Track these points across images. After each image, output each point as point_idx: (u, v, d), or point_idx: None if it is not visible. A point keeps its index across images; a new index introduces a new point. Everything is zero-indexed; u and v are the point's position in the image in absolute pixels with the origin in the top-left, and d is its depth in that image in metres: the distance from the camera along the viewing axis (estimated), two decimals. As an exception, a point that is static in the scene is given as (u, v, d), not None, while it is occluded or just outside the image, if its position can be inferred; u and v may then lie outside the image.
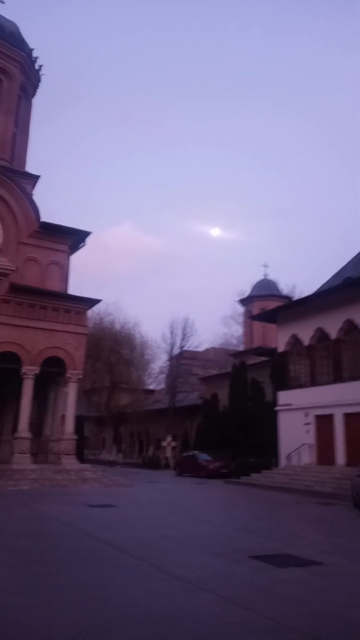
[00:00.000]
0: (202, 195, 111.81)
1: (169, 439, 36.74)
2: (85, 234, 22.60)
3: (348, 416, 19.65)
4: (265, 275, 41.96)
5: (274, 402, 23.90)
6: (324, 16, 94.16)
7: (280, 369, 24.01)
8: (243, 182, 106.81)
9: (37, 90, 25.91)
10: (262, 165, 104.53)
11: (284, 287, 50.86)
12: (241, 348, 49.00)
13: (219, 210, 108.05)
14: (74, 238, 22.56)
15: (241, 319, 51.79)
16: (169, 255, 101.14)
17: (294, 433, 21.73)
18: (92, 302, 21.85)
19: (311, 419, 21.31)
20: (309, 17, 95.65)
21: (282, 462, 22.10)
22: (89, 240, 23.25)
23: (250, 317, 35.44)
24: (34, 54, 25.07)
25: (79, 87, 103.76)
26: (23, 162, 24.27)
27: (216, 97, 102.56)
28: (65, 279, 22.21)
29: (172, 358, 42.62)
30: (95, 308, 39.74)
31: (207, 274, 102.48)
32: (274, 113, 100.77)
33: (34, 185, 23.10)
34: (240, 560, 7.31)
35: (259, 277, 42.88)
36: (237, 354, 41.22)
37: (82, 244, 23.03)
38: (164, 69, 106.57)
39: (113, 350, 41.26)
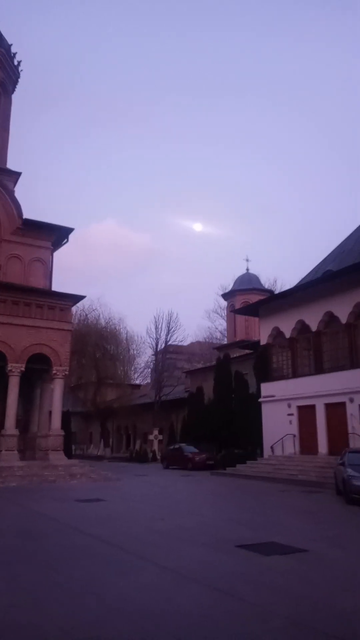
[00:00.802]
0: (186, 191, 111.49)
1: (155, 432, 36.76)
2: (68, 230, 22.36)
3: (329, 406, 19.88)
4: (247, 269, 42.07)
5: (258, 394, 24.04)
6: (319, 13, 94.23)
7: (263, 362, 24.13)
8: (226, 179, 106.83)
9: (17, 86, 25.41)
10: (245, 161, 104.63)
11: (266, 281, 51.18)
12: (225, 341, 49.17)
13: (201, 206, 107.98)
14: (57, 234, 22.31)
15: (224, 313, 51.97)
16: (154, 251, 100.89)
17: (278, 424, 21.90)
18: (77, 298, 21.65)
19: (294, 409, 21.48)
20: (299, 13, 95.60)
21: (267, 452, 22.24)
22: (73, 236, 23.20)
23: (233, 311, 35.54)
24: (13, 49, 24.57)
25: (64, 83, 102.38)
26: (4, 158, 23.84)
27: (200, 93, 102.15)
28: (49, 275, 21.99)
29: (157, 352, 42.58)
30: (80, 304, 39.84)
31: (192, 269, 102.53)
32: (258, 109, 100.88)
33: (15, 182, 22.74)
34: (228, 550, 7.37)
35: (241, 271, 42.98)
36: (221, 348, 41.34)
37: (64, 241, 22.80)
38: (150, 66, 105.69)
39: (98, 345, 41.06)
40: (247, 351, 30.35)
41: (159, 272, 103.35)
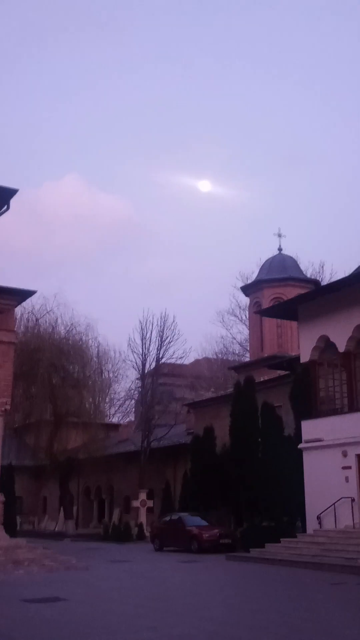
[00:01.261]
0: (182, 136, 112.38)
1: (142, 496, 36.71)
2: (7, 192, 22.28)
3: None
4: (279, 249, 42.24)
5: (297, 437, 24.09)
6: None
7: (304, 388, 24.15)
8: (245, 115, 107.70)
9: None
10: (273, 89, 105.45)
11: (308, 267, 51.55)
12: (247, 358, 49.27)
13: (208, 155, 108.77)
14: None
15: (245, 315, 52.16)
16: (138, 224, 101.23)
17: (328, 481, 21.92)
18: (22, 294, 21.71)
19: (352, 460, 21.50)
20: None
21: (311, 525, 22.27)
22: (16, 201, 22.92)
23: (259, 312, 35.62)
24: None
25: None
26: None
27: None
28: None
29: (145, 376, 42.56)
30: (27, 304, 39.56)
31: (195, 250, 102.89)
32: (282, 20, 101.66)
33: None
34: None
35: (271, 252, 43.12)
36: (241, 367, 41.26)
37: (4, 208, 22.75)
38: None
39: (55, 366, 40.91)
40: (281, 372, 30.34)
41: (146, 255, 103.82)
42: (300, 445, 23.51)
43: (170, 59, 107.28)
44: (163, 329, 41.92)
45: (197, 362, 60.50)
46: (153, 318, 42.12)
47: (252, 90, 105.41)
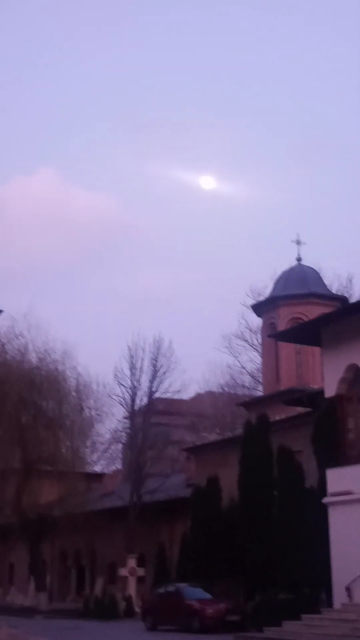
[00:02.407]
0: (180, 121, 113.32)
1: (131, 562, 36.50)
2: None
3: None
4: (298, 259, 42.32)
5: (321, 489, 23.97)
6: None
7: (330, 429, 24.10)
8: (250, 98, 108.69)
9: None
10: (284, 64, 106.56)
11: (333, 280, 51.65)
12: (259, 392, 49.17)
13: (212, 145, 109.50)
14: None
15: (257, 338, 52.15)
16: (124, 228, 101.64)
17: (358, 543, 21.77)
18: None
19: (388, 516, 21.35)
20: None
21: (338, 597, 22.09)
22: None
23: (274, 336, 35.63)
24: None
25: None
26: None
27: None
28: None
29: (135, 414, 42.50)
30: (-8, 326, 39.97)
31: (194, 259, 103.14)
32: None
33: None
34: None
35: (288, 262, 43.16)
36: (251, 404, 41.16)
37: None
38: None
39: (25, 401, 40.89)
40: (301, 410, 30.32)
41: (136, 266, 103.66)
42: (324, 500, 23.39)
43: (166, 27, 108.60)
44: (157, 357, 41.93)
45: (198, 397, 60.37)
46: (145, 343, 42.14)
47: (266, 64, 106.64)
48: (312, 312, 35.41)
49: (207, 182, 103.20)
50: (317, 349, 29.99)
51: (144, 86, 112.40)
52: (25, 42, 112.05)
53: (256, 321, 49.39)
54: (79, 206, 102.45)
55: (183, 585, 27.76)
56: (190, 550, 31.09)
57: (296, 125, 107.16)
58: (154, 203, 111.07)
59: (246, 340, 56.19)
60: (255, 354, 54.11)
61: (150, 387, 41.80)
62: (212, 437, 43.27)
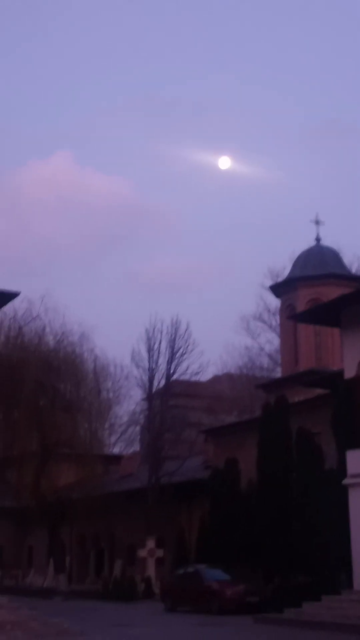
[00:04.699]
0: (195, 100, 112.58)
1: (150, 544, 36.60)
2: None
3: None
4: (317, 239, 42.19)
5: (341, 471, 23.93)
6: None
7: (349, 411, 24.01)
8: (268, 73, 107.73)
9: None
10: (304, 37, 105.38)
11: (353, 261, 51.27)
12: (277, 374, 49.03)
13: (229, 126, 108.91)
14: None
15: (275, 320, 52.00)
16: (140, 211, 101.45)
17: (379, 526, 21.68)
18: (2, 297, 21.82)
19: None
20: None
21: (358, 578, 22.06)
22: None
23: (292, 317, 35.52)
24: None
25: None
26: None
27: None
28: None
29: (152, 396, 42.52)
30: (9, 308, 39.86)
31: (211, 241, 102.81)
32: None
33: None
34: None
35: (307, 243, 43.01)
36: (270, 385, 41.17)
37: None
38: None
39: (43, 384, 41.04)
40: (320, 391, 30.27)
41: (153, 249, 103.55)
42: (344, 481, 23.29)
43: (183, 3, 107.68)
44: (174, 339, 41.78)
45: (216, 379, 60.36)
46: (162, 325, 41.93)
47: (284, 42, 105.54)
48: (332, 293, 35.14)
49: (224, 162, 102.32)
50: (336, 330, 29.94)
51: (159, 66, 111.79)
52: (40, 23, 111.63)
53: (275, 302, 49.32)
54: (95, 190, 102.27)
55: (202, 567, 27.85)
56: (209, 533, 31.22)
57: (314, 105, 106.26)
58: (170, 186, 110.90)
59: (264, 322, 56.24)
60: (274, 335, 54.08)
61: (167, 369, 41.64)
62: (230, 419, 43.40)
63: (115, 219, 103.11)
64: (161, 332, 41.78)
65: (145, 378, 41.91)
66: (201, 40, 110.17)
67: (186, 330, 41.63)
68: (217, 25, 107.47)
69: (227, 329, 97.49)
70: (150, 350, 41.65)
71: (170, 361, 41.63)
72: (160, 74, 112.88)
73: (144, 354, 41.72)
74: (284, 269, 48.56)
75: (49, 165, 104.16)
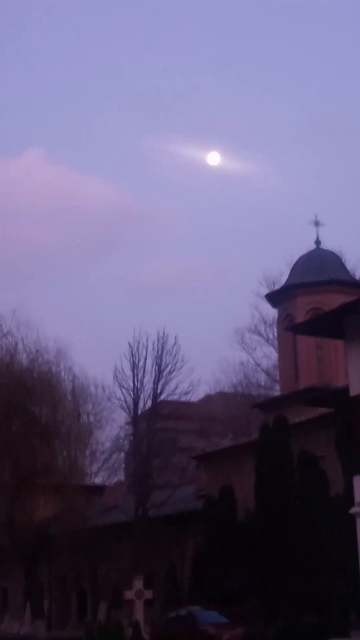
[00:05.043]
0: (183, 92, 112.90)
1: (138, 584, 36.39)
2: None
3: None
4: (317, 242, 42.44)
5: (348, 498, 24.05)
6: None
7: (356, 431, 24.14)
8: (261, 66, 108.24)
9: None
10: (299, 27, 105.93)
11: (357, 265, 51.60)
12: (276, 392, 49.09)
13: (217, 120, 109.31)
14: None
15: (273, 332, 52.05)
16: (120, 212, 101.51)
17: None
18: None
19: None
20: None
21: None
22: None
23: (291, 329, 35.60)
24: None
25: None
26: None
27: None
28: None
29: (138, 418, 42.45)
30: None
31: (201, 245, 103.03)
32: None
33: None
34: None
35: (306, 246, 43.28)
36: (268, 405, 41.18)
37: None
38: None
39: (16, 407, 41.00)
40: (323, 411, 30.35)
41: (136, 254, 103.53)
42: (352, 510, 23.39)
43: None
44: (161, 355, 41.77)
45: (208, 398, 60.32)
46: (148, 340, 41.96)
47: (279, 28, 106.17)
48: (334, 301, 35.28)
49: (214, 159, 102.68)
50: (339, 343, 29.99)
51: (143, 59, 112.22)
52: (12, 12, 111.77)
53: (271, 313, 49.55)
54: (73, 191, 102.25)
55: (196, 609, 27.80)
56: (204, 569, 31.18)
57: (312, 98, 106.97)
58: (156, 185, 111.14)
59: (261, 335, 56.45)
60: (271, 349, 54.31)
61: (154, 389, 41.64)
62: (225, 442, 43.30)
63: (97, 223, 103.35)
64: (147, 348, 41.78)
65: (130, 399, 41.85)
66: (187, 32, 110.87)
67: (174, 344, 41.67)
68: (206, 16, 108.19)
69: (220, 342, 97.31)
70: (134, 367, 41.64)
71: (157, 380, 41.63)
72: (144, 67, 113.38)
73: (128, 372, 41.70)
74: (281, 275, 48.95)
75: (20, 164, 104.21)
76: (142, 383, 41.59)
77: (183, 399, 44.91)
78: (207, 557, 31.17)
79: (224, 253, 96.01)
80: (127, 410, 42.67)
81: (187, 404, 52.44)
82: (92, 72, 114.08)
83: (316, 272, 40.28)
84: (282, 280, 45.63)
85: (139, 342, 41.71)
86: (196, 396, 50.12)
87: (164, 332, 41.87)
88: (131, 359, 41.71)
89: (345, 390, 25.65)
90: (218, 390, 60.87)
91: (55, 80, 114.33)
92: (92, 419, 43.65)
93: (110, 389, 43.33)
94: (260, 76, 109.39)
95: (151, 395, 41.73)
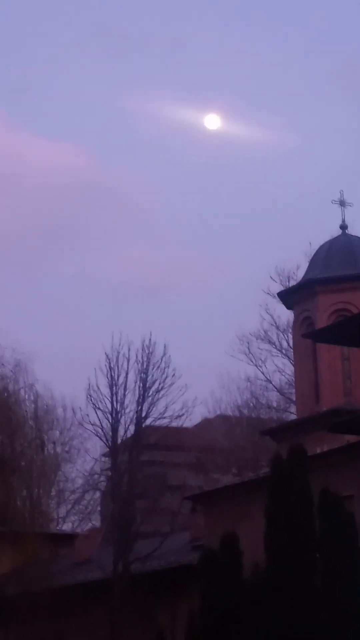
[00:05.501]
0: (173, 39, 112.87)
1: (118, 658, 36.44)
2: None
3: None
4: (343, 227, 42.50)
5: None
6: None
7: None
8: (267, 7, 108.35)
9: None
10: None
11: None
12: (291, 415, 49.07)
13: (216, 75, 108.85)
14: None
15: (287, 339, 52.11)
16: (99, 187, 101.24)
17: None
18: None
19: None
20: None
21: None
22: None
23: (310, 336, 35.54)
24: None
25: None
26: None
27: None
28: None
29: (117, 448, 42.45)
30: None
31: (196, 231, 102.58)
32: None
33: None
34: None
35: (328, 231, 43.25)
36: (281, 431, 41.13)
37: None
38: None
39: None
40: (351, 438, 30.56)
41: (116, 242, 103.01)
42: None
43: None
44: (147, 368, 41.76)
45: (207, 423, 60.49)
46: (129, 349, 41.97)
47: None
48: (361, 299, 35.44)
49: (212, 122, 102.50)
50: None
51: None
52: None
53: (285, 315, 49.50)
54: (35, 160, 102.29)
55: None
56: (201, 638, 31.08)
57: (335, 43, 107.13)
58: (139, 154, 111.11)
59: (272, 343, 56.37)
60: (285, 361, 54.31)
61: (138, 412, 41.65)
62: (227, 479, 43.33)
63: (64, 201, 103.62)
64: (128, 359, 41.78)
65: (107, 424, 41.83)
66: None
67: (163, 355, 41.64)
68: None
69: (221, 353, 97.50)
70: (113, 384, 41.61)
71: (141, 400, 41.60)
72: (125, 3, 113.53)
73: (105, 390, 41.69)
74: (298, 268, 48.95)
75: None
76: (122, 404, 41.60)
77: (174, 424, 44.90)
78: (205, 622, 30.94)
79: (224, 241, 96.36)
80: (104, 439, 42.70)
81: (180, 431, 52.47)
82: (62, 10, 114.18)
83: (342, 263, 40.25)
84: (300, 274, 45.64)
85: (118, 352, 41.71)
86: (191, 421, 50.22)
87: (150, 340, 41.86)
88: (109, 374, 41.71)
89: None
90: (219, 413, 60.96)
91: (16, 22, 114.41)
92: (59, 449, 43.71)
93: (82, 412, 43.35)
94: (270, 16, 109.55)
95: (134, 419, 41.75)
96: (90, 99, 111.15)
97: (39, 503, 43.23)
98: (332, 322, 35.22)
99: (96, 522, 52.81)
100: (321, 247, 42.15)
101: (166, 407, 42.02)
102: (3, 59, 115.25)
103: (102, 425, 42.00)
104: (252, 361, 57.39)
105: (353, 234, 42.26)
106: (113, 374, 41.62)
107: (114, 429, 41.76)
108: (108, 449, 43.43)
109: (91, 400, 41.84)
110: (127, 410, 41.63)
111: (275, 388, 57.16)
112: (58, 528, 48.21)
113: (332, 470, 30.11)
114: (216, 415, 60.93)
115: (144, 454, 44.31)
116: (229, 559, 31.27)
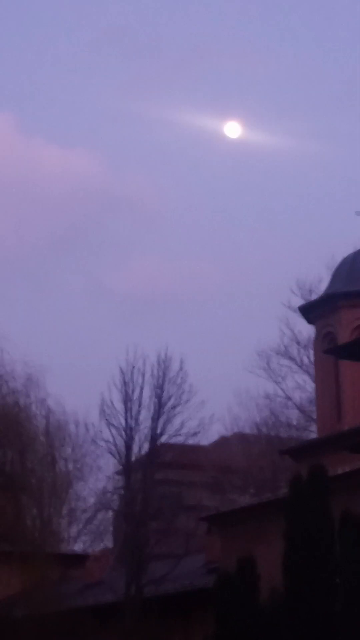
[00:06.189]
0: (191, 41, 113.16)
1: None
2: None
3: None
4: (367, 238, 42.36)
5: None
6: None
7: None
8: (290, 10, 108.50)
9: None
10: None
11: None
12: (312, 434, 48.90)
13: (238, 81, 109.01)
14: None
15: (308, 355, 51.98)
16: (113, 197, 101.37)
17: None
18: None
19: None
20: None
21: None
22: None
23: (332, 351, 35.46)
24: None
25: None
26: None
27: None
28: None
29: (131, 467, 42.41)
30: None
31: (213, 242, 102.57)
32: None
33: None
34: None
35: (351, 244, 43.19)
36: (301, 450, 41.01)
37: None
38: None
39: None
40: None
41: (131, 252, 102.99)
42: None
43: None
44: (162, 384, 41.78)
45: (224, 441, 60.33)
46: (145, 364, 41.99)
47: None
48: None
49: (232, 129, 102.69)
50: None
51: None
52: None
53: (306, 330, 49.41)
54: (50, 168, 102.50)
55: None
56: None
57: (358, 51, 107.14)
58: (155, 162, 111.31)
59: (292, 359, 56.34)
60: (306, 377, 54.18)
61: (153, 428, 41.64)
62: (245, 500, 43.18)
63: (77, 211, 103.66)
64: (143, 375, 41.80)
65: (121, 441, 41.82)
66: None
67: (180, 370, 41.65)
68: None
69: (239, 368, 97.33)
70: (127, 400, 41.61)
71: (156, 416, 41.58)
72: (142, 5, 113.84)
73: (119, 406, 41.68)
74: (320, 281, 48.84)
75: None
76: (136, 420, 41.59)
77: (190, 441, 44.86)
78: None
79: (243, 252, 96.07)
80: (117, 456, 42.65)
81: (196, 449, 52.47)
82: (77, 14, 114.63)
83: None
84: (322, 288, 45.56)
85: (133, 367, 41.73)
86: (208, 438, 50.15)
87: (165, 354, 41.86)
88: (123, 389, 41.73)
89: None
90: (236, 430, 60.80)
91: (29, 25, 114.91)
92: (71, 466, 43.64)
93: (95, 428, 43.36)
94: (291, 22, 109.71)
95: (148, 436, 41.71)
96: (105, 105, 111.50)
97: (49, 522, 43.08)
98: (355, 338, 35.16)
99: (108, 542, 52.67)
100: (344, 259, 42.13)
101: (182, 424, 42.02)
102: (16, 64, 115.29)
103: (115, 442, 42.00)
104: (271, 377, 57.48)
105: (377, 246, 42.24)
106: (127, 389, 41.62)
107: (128, 446, 41.73)
108: (121, 467, 43.37)
109: (105, 416, 41.88)
110: (141, 427, 41.62)
111: (296, 405, 57.14)
112: (69, 548, 48.04)
113: (354, 491, 30.01)
114: (233, 433, 60.80)
115: (158, 473, 44.23)
116: (245, 582, 31.20)
